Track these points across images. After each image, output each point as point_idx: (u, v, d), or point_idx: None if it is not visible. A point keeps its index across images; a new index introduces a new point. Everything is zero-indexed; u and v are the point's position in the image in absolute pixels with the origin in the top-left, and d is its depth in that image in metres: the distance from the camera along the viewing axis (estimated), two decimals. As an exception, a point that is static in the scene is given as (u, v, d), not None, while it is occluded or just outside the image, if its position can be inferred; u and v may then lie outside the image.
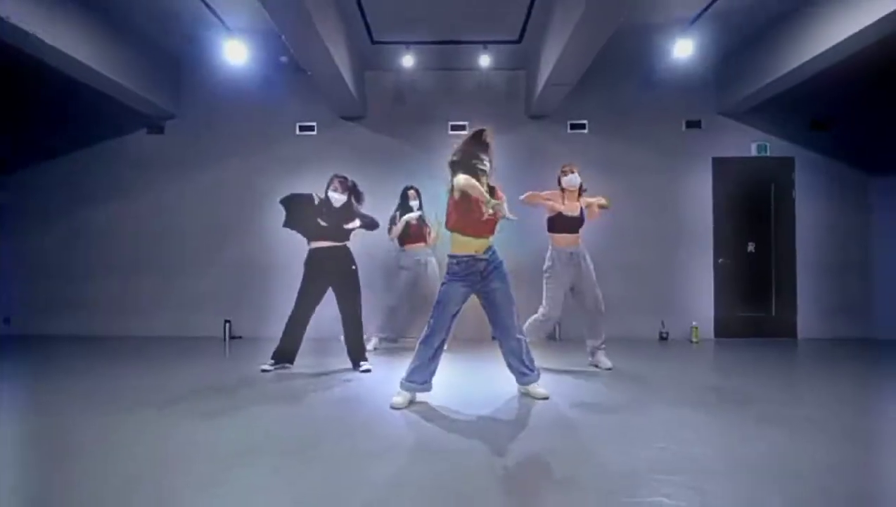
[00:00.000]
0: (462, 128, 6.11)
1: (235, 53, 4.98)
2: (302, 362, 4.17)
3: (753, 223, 6.03)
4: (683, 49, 5.03)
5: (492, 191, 3.00)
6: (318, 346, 5.02)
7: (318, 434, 2.44)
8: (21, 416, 2.78)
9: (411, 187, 5.11)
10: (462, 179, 2.85)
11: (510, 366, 3.17)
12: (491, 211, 2.79)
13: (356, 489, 1.82)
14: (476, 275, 3.01)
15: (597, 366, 4.15)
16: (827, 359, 4.75)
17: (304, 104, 6.04)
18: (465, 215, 2.94)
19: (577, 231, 4.06)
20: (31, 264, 6.09)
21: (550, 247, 4.10)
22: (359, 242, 5.59)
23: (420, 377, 2.98)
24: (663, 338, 5.81)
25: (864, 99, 5.85)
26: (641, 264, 5.94)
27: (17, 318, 6.07)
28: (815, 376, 4.08)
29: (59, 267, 6.07)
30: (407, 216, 4.93)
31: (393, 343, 5.24)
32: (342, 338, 4.15)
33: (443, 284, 3.05)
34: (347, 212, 4.08)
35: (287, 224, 4.11)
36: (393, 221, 5.06)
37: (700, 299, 5.97)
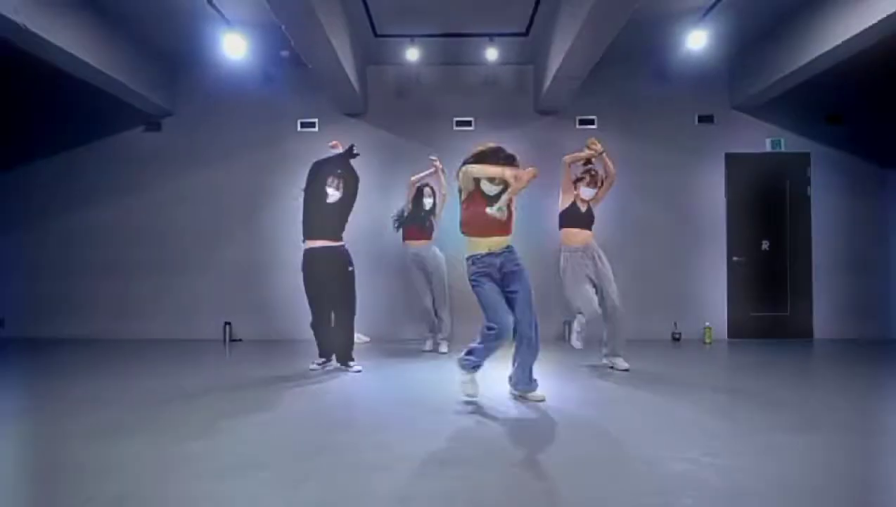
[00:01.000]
0: (468, 124, 5.96)
1: (234, 47, 4.83)
2: (301, 366, 4.03)
3: (768, 221, 5.87)
4: (697, 41, 4.87)
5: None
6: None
7: (317, 444, 2.29)
8: (8, 423, 2.65)
9: (426, 185, 4.96)
10: (473, 167, 2.85)
11: (516, 374, 3.06)
12: (496, 211, 2.77)
13: (358, 504, 1.68)
14: (494, 270, 2.95)
15: (612, 367, 3.98)
16: (846, 360, 4.61)
17: (305, 100, 5.89)
18: (472, 218, 2.93)
19: (588, 228, 3.96)
20: (26, 265, 5.93)
21: (562, 247, 3.97)
22: (368, 242, 5.50)
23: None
24: (675, 339, 5.65)
25: (882, 92, 5.71)
26: (653, 262, 5.78)
27: (10, 320, 5.92)
28: (836, 378, 3.93)
29: (54, 267, 5.92)
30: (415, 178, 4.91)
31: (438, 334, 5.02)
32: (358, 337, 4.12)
33: (473, 287, 2.98)
34: (343, 209, 4.00)
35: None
36: (400, 217, 4.95)
37: (713, 298, 5.81)
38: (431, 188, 4.94)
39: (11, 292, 5.92)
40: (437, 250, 4.95)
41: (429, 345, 5.00)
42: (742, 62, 5.68)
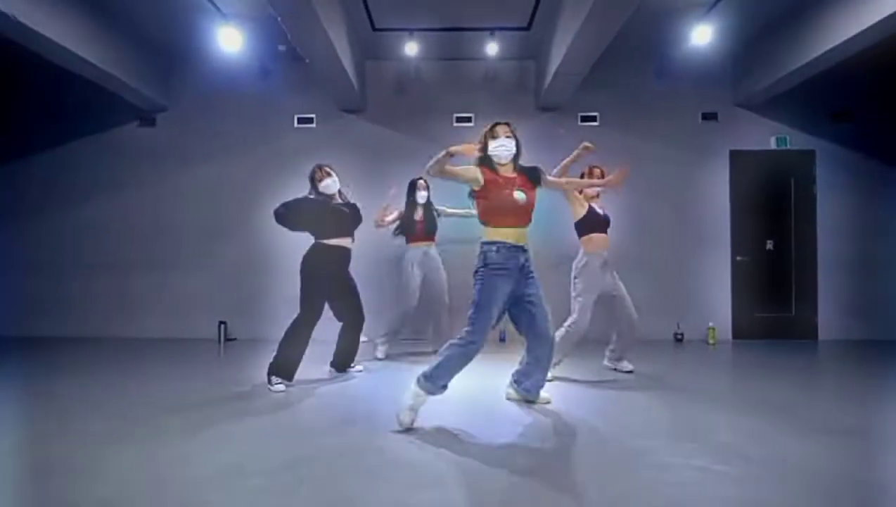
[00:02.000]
0: (468, 120, 5.86)
1: (230, 41, 4.74)
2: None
3: (772, 219, 5.77)
4: (702, 36, 4.78)
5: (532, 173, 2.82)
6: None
7: (312, 448, 2.20)
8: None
9: (420, 178, 4.71)
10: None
11: (534, 381, 2.88)
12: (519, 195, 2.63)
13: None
14: (516, 269, 2.64)
15: (615, 369, 3.90)
16: (852, 362, 4.53)
17: (302, 96, 5.79)
18: (498, 204, 2.66)
19: (605, 231, 3.76)
20: (16, 262, 5.83)
21: (583, 252, 3.71)
22: (366, 241, 5.36)
23: (445, 379, 2.57)
24: (678, 339, 5.55)
25: (889, 90, 5.62)
26: (655, 261, 5.69)
27: (1, 318, 5.80)
28: (842, 380, 3.84)
29: (46, 265, 5.82)
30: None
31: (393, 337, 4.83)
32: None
33: (479, 279, 2.62)
34: (343, 198, 3.81)
35: (295, 227, 3.73)
36: (400, 216, 4.69)
37: (717, 298, 5.72)
38: (425, 181, 4.68)
39: (1, 290, 5.81)
40: (437, 253, 4.70)
41: (381, 352, 4.70)
42: (746, 58, 5.58)
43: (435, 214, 4.72)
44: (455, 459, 2.09)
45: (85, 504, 1.69)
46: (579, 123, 5.84)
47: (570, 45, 4.38)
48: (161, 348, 5.05)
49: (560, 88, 5.28)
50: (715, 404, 2.99)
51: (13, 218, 5.88)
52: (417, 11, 4.98)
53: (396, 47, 5.43)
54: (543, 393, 2.96)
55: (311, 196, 3.70)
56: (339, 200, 3.76)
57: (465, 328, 2.55)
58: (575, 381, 3.60)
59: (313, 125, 5.87)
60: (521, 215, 2.69)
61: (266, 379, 3.36)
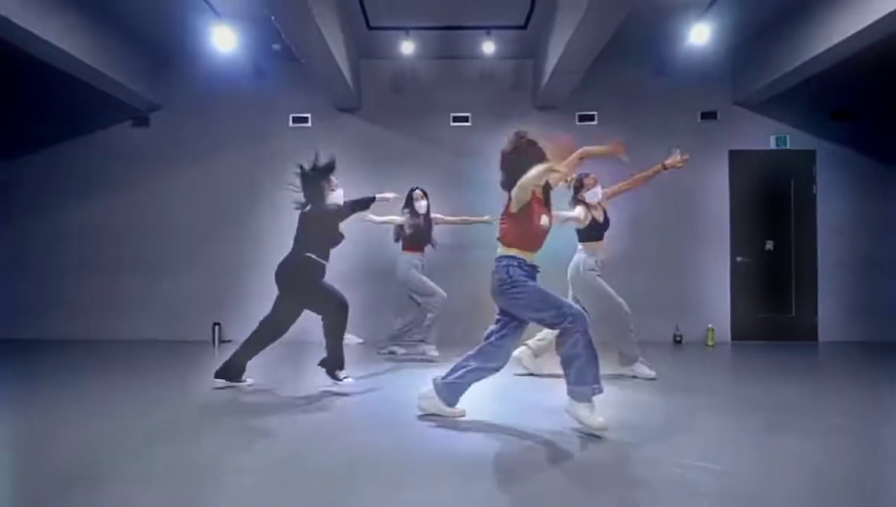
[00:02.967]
0: (465, 120, 5.81)
1: (225, 40, 4.71)
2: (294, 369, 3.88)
3: (772, 220, 5.74)
4: (700, 35, 4.75)
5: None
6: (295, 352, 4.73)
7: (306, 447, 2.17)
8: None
9: (417, 188, 4.67)
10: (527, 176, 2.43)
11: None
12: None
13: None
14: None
15: (634, 376, 3.85)
16: (853, 363, 4.50)
17: (297, 94, 5.75)
18: (530, 232, 2.55)
19: (602, 237, 3.90)
20: (8, 263, 5.77)
21: (587, 254, 3.79)
22: (363, 243, 5.31)
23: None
24: (677, 341, 5.51)
25: (889, 89, 5.57)
26: (654, 262, 5.64)
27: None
28: (842, 381, 3.82)
29: (38, 266, 5.77)
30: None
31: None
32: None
33: (517, 294, 2.49)
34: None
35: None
36: (401, 225, 4.59)
37: (716, 299, 5.68)
38: (422, 191, 4.64)
39: (-5, 292, 5.77)
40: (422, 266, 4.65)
41: (386, 349, 4.75)
42: (746, 57, 5.54)
43: (431, 222, 4.66)
44: (455, 456, 2.05)
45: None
46: (577, 123, 5.80)
47: (567, 43, 4.34)
48: (155, 350, 5.01)
49: (558, 87, 5.23)
50: (709, 405, 2.96)
51: (5, 219, 5.82)
52: (413, 10, 4.94)
53: (392, 46, 5.38)
54: (596, 419, 2.41)
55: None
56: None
57: (562, 325, 2.41)
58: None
59: (308, 124, 5.82)
60: (542, 241, 2.62)
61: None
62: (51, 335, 5.66)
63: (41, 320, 5.71)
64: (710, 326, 5.45)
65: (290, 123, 5.82)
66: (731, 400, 3.20)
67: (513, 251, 2.56)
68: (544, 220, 2.55)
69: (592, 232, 3.81)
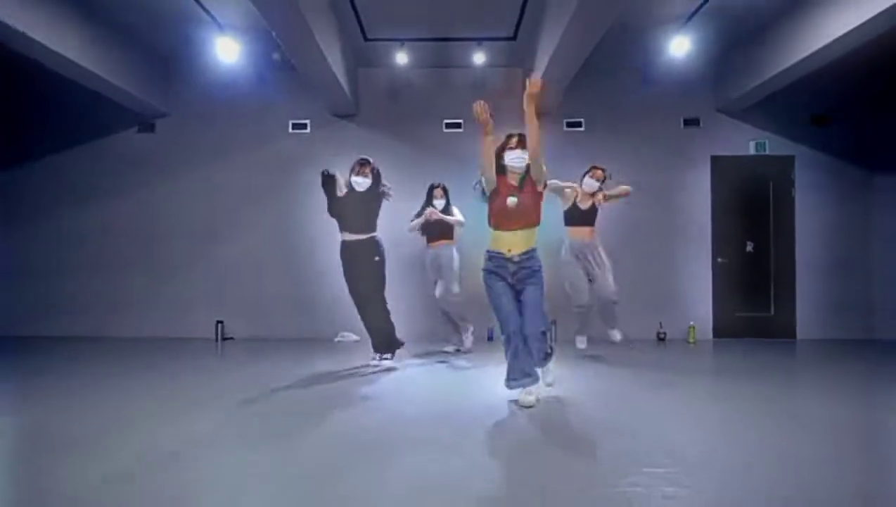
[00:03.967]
0: (457, 126, 6.05)
1: (227, 51, 4.94)
2: (293, 365, 4.11)
3: (752, 222, 5.96)
4: (680, 47, 4.98)
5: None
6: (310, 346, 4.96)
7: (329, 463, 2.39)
8: (8, 417, 2.73)
9: (438, 185, 4.84)
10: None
11: (518, 366, 2.95)
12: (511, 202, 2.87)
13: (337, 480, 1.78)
14: (507, 273, 2.96)
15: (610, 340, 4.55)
16: (828, 360, 4.70)
17: (296, 102, 5.98)
18: (496, 209, 2.96)
19: (589, 224, 4.33)
20: (19, 264, 6.03)
21: (566, 238, 4.37)
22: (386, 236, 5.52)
23: (514, 374, 2.90)
24: (661, 338, 5.74)
25: (865, 95, 5.79)
26: (639, 263, 5.87)
27: (4, 318, 6.01)
28: (816, 377, 4.03)
29: (47, 267, 6.02)
30: (427, 212, 4.69)
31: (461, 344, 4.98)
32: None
33: (484, 281, 3.02)
34: (373, 198, 4.05)
35: (330, 211, 4.10)
36: (418, 216, 4.83)
37: (698, 298, 5.90)
38: (443, 189, 4.81)
39: (4, 291, 6.01)
40: (455, 251, 4.82)
41: (449, 347, 4.95)
42: (726, 66, 5.76)
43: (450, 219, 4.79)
44: (432, 436, 2.28)
45: (91, 480, 1.87)
46: (565, 129, 6.02)
47: (552, 55, 4.57)
48: (159, 347, 5.22)
49: (546, 96, 5.45)
50: (683, 398, 3.17)
51: (15, 221, 6.07)
52: (407, 23, 5.17)
53: (388, 56, 5.62)
54: (530, 397, 2.87)
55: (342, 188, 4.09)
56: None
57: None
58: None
59: (307, 130, 6.06)
60: (516, 219, 2.91)
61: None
62: (60, 332, 5.91)
63: (49, 319, 5.96)
64: (691, 324, 5.68)
65: (290, 129, 6.06)
66: (705, 392, 3.41)
67: (490, 242, 2.99)
68: (511, 200, 2.86)
69: (569, 217, 4.34)
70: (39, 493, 1.79)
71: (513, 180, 2.96)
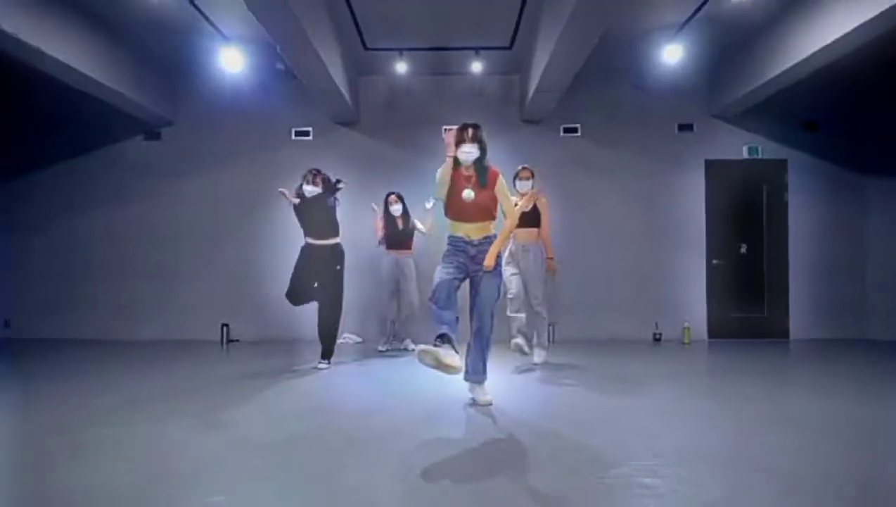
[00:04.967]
0: (456, 132, 6.15)
1: (232, 61, 5.05)
2: (297, 366, 4.23)
3: (746, 225, 6.07)
4: (672, 54, 5.08)
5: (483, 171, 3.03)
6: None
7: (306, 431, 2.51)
8: (22, 416, 2.87)
9: (392, 193, 5.24)
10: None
11: (472, 364, 3.06)
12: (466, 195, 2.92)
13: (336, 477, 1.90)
14: (465, 256, 3.00)
15: (521, 352, 4.16)
16: (820, 359, 4.80)
17: (299, 109, 6.12)
18: (451, 202, 3.01)
19: (531, 226, 4.26)
20: (31, 268, 6.19)
21: (510, 241, 4.31)
22: (358, 247, 5.72)
23: (469, 368, 3.02)
24: (657, 339, 5.85)
25: (856, 100, 5.90)
26: (634, 265, 5.99)
27: (16, 321, 6.17)
28: (807, 377, 4.14)
29: (58, 271, 6.17)
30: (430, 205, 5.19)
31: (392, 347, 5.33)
32: (341, 339, 4.35)
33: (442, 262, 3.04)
34: (326, 204, 4.28)
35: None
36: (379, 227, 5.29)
37: (693, 300, 6.01)
38: (397, 196, 5.20)
39: (17, 294, 6.17)
40: (413, 262, 5.26)
41: (383, 345, 5.27)
42: (720, 72, 5.87)
43: (411, 225, 5.24)
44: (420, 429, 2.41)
45: (107, 479, 1.99)
46: (562, 134, 6.14)
47: (548, 61, 4.67)
48: (167, 349, 5.35)
49: (542, 103, 5.58)
50: (673, 397, 3.28)
51: (26, 227, 6.23)
52: (406, 33, 5.30)
53: (388, 64, 5.76)
54: (485, 396, 3.04)
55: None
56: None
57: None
58: (516, 379, 3.91)
59: (310, 137, 6.19)
60: (471, 212, 2.98)
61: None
62: (69, 335, 6.05)
63: (60, 321, 6.10)
64: (686, 324, 5.79)
65: (293, 137, 6.19)
66: (695, 391, 3.52)
67: (449, 228, 3.07)
68: (466, 193, 2.93)
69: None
70: (43, 496, 1.86)
71: (467, 172, 3.04)
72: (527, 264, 4.25)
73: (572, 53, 4.51)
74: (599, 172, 6.08)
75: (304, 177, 4.27)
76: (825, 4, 4.29)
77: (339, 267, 4.28)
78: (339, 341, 5.82)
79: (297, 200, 4.27)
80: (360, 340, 5.85)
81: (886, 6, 3.68)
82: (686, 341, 5.73)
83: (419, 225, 5.29)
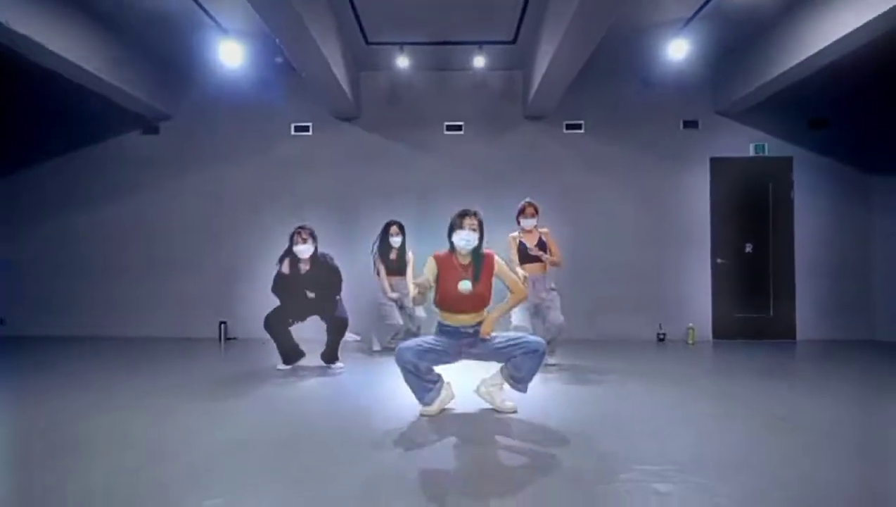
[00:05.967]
0: (458, 128, 6.09)
1: (231, 55, 4.97)
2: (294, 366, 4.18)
3: (751, 224, 5.99)
4: (678, 50, 5.01)
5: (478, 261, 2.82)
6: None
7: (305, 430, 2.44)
8: (20, 414, 2.83)
9: (394, 223, 5.00)
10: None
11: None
12: (463, 287, 2.69)
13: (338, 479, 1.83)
14: (457, 342, 2.82)
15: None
16: (827, 360, 4.73)
17: (299, 104, 6.04)
18: (441, 290, 2.79)
19: (537, 261, 4.16)
20: (26, 265, 6.11)
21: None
22: (353, 247, 5.66)
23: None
24: (661, 339, 5.77)
25: (863, 97, 5.80)
26: (638, 264, 5.91)
27: (11, 318, 6.09)
28: (813, 378, 4.07)
29: (54, 268, 6.09)
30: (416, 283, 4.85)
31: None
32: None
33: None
34: (319, 267, 4.05)
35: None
36: (374, 259, 5.04)
37: (698, 300, 5.93)
38: (399, 227, 4.98)
39: (13, 291, 6.09)
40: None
41: (378, 345, 5.11)
42: (726, 68, 5.79)
43: (406, 257, 5.06)
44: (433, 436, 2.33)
45: (108, 475, 1.94)
46: (565, 131, 6.06)
47: (552, 56, 4.58)
48: (164, 347, 5.28)
49: (546, 97, 5.49)
50: (679, 398, 3.21)
51: (23, 223, 6.14)
52: (408, 27, 5.21)
53: (389, 59, 5.67)
54: (508, 402, 2.88)
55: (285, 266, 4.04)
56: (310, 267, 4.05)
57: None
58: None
59: (309, 133, 6.11)
60: (465, 305, 2.76)
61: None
62: (65, 332, 5.97)
63: (56, 319, 6.03)
64: (690, 325, 5.71)
65: (292, 132, 6.11)
66: (701, 392, 3.45)
67: (442, 316, 2.85)
68: (463, 286, 2.69)
69: (521, 257, 4.17)
70: (36, 497, 1.80)
71: (463, 260, 2.81)
72: (536, 298, 4.11)
73: (579, 46, 4.43)
74: (603, 169, 6.01)
75: (291, 237, 3.98)
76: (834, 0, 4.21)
77: (337, 297, 4.15)
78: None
79: (286, 271, 4.00)
80: (359, 338, 5.77)
81: (895, 2, 3.61)
82: (691, 341, 5.65)
83: (410, 269, 5.03)
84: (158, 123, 6.12)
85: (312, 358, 4.24)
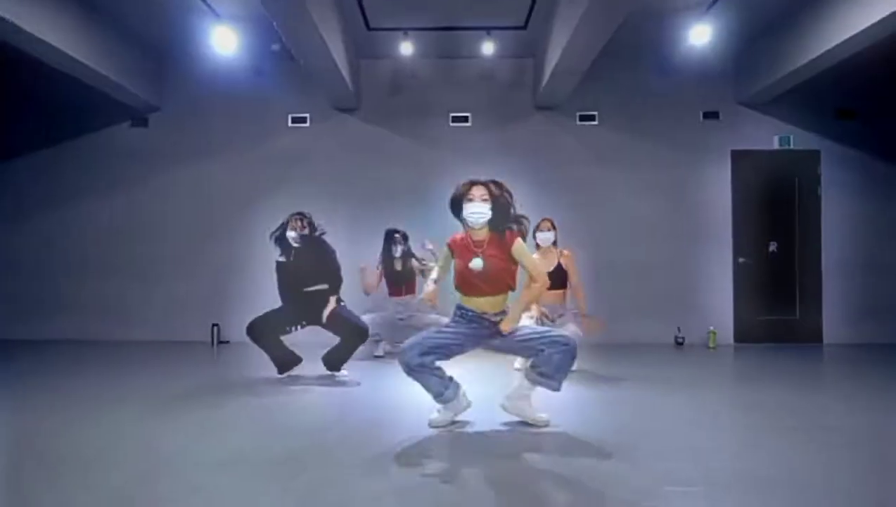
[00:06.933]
0: (464, 120, 5.79)
1: (224, 42, 4.70)
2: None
3: (776, 221, 5.67)
4: (700, 35, 4.72)
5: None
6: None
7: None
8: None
9: (396, 231, 4.67)
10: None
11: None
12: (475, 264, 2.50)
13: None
14: (477, 326, 2.59)
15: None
16: (857, 366, 4.46)
17: (296, 95, 5.74)
18: (457, 269, 2.60)
19: (558, 287, 3.85)
20: (7, 264, 5.80)
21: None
22: (352, 245, 5.35)
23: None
24: (679, 343, 5.46)
25: (894, 87, 5.50)
26: (656, 264, 5.60)
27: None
28: (843, 384, 3.80)
29: (36, 267, 5.78)
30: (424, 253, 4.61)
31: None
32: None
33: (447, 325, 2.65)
34: (312, 252, 3.76)
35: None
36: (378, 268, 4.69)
37: (718, 301, 5.62)
38: (402, 235, 4.65)
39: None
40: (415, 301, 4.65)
41: (381, 350, 4.75)
42: (748, 56, 5.48)
43: (414, 265, 4.66)
44: (444, 451, 2.03)
45: (96, 491, 1.79)
46: (578, 122, 5.75)
47: (567, 43, 4.31)
48: (154, 351, 5.02)
49: (558, 87, 5.20)
50: (706, 408, 2.94)
51: (3, 218, 5.84)
52: (412, 11, 4.92)
53: (391, 46, 5.36)
54: (541, 414, 2.64)
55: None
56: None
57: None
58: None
59: (307, 124, 5.81)
60: (480, 285, 2.52)
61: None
62: (49, 336, 5.67)
63: (39, 322, 5.72)
64: (711, 328, 5.40)
65: (289, 123, 5.81)
66: (728, 401, 3.19)
67: (462, 300, 2.63)
68: (474, 263, 2.50)
69: None
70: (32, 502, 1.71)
71: (477, 236, 2.58)
72: (558, 322, 3.84)
73: (597, 32, 4.16)
74: (617, 162, 5.69)
75: (286, 224, 3.77)
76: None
77: (342, 302, 3.79)
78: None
79: (282, 259, 3.78)
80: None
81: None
82: (712, 345, 5.33)
83: (419, 267, 4.64)
84: (147, 114, 5.82)
85: (310, 363, 3.94)
